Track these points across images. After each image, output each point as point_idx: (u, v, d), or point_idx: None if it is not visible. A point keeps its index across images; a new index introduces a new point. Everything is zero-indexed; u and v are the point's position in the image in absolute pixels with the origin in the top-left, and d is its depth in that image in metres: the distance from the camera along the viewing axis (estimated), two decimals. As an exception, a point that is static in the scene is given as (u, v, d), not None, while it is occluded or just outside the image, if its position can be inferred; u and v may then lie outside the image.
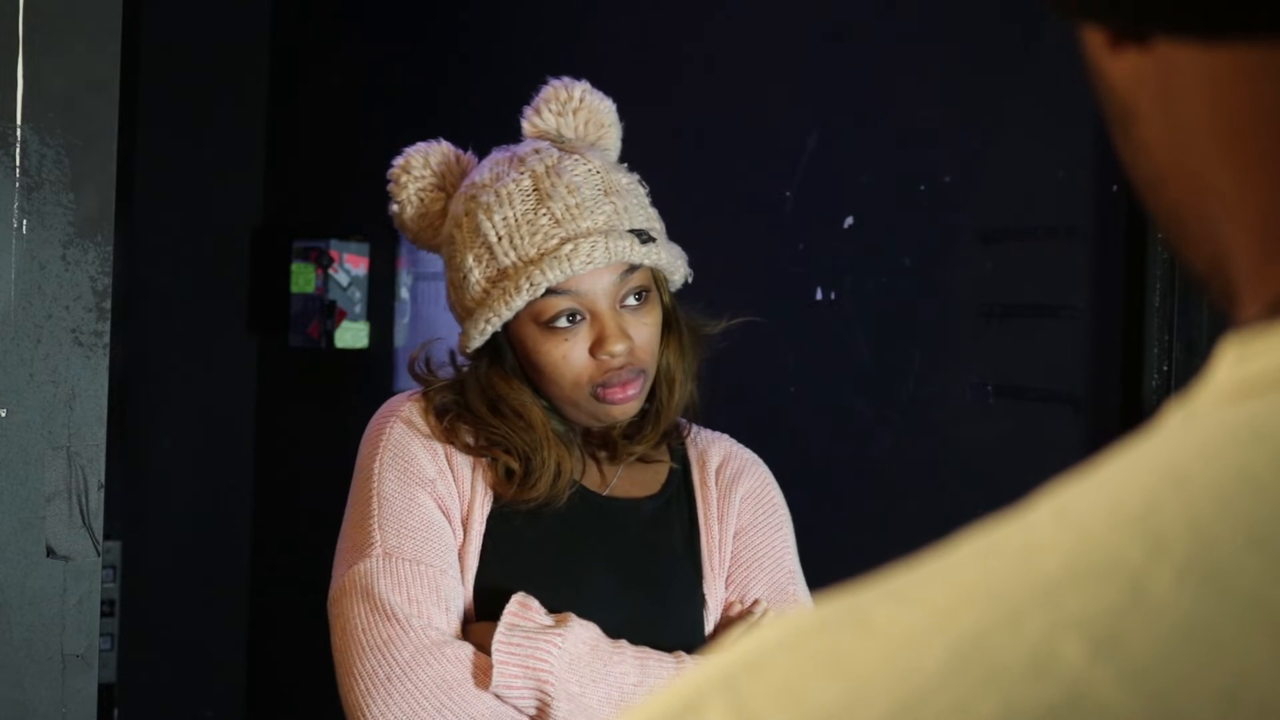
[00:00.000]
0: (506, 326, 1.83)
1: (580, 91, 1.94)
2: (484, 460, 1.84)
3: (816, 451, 2.72)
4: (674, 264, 1.88)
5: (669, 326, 1.89)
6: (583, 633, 1.75)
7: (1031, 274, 2.43)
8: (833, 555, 2.67)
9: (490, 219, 1.81)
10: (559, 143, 1.90)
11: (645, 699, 0.37)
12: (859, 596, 0.36)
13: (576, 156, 1.86)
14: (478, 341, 1.83)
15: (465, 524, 1.82)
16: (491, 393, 1.85)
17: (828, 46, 2.74)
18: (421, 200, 1.91)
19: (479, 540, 1.81)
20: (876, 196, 2.64)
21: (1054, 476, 0.38)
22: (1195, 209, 0.42)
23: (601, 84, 3.18)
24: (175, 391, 4.14)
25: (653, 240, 1.85)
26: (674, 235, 3.11)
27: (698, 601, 1.87)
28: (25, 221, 1.70)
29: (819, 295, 2.71)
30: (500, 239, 1.80)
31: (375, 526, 1.78)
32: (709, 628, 1.87)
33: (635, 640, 1.78)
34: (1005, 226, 2.46)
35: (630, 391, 1.81)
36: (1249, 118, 0.40)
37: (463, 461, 1.83)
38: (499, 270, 1.80)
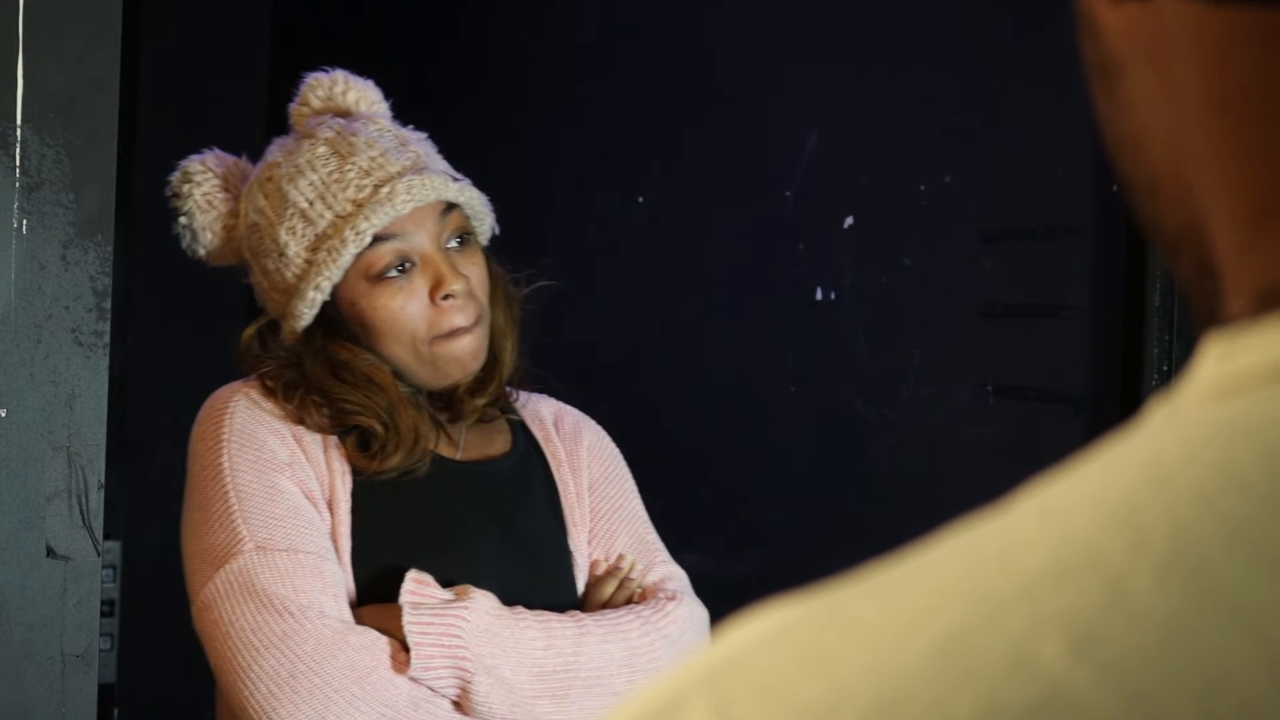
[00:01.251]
0: (335, 294, 1.77)
1: (343, 76, 1.91)
2: (333, 438, 1.78)
3: (816, 451, 2.72)
4: (485, 209, 1.85)
5: (490, 277, 1.85)
6: (485, 603, 1.70)
7: (1031, 274, 2.43)
8: (832, 555, 2.67)
9: (296, 186, 1.77)
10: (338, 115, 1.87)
11: (626, 698, 0.37)
12: (841, 593, 0.36)
13: (362, 120, 1.84)
14: (308, 316, 1.77)
15: (330, 506, 1.75)
16: (334, 361, 1.78)
17: (828, 46, 2.74)
18: (210, 203, 1.86)
19: (347, 520, 1.75)
20: (876, 196, 2.64)
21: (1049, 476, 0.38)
22: (1173, 176, 0.41)
23: (601, 83, 3.20)
24: (175, 391, 4.14)
25: (462, 180, 1.82)
26: (673, 234, 3.10)
27: (567, 558, 1.85)
28: (25, 221, 1.70)
29: (819, 295, 2.71)
30: (312, 203, 1.76)
31: (239, 521, 1.70)
32: (579, 584, 1.85)
33: (521, 603, 1.75)
34: (1005, 226, 2.46)
35: (477, 333, 1.77)
36: (1247, 86, 0.39)
37: (312, 442, 1.77)
38: (317, 235, 1.75)
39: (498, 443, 1.89)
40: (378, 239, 1.74)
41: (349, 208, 1.75)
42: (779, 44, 2.82)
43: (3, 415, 1.70)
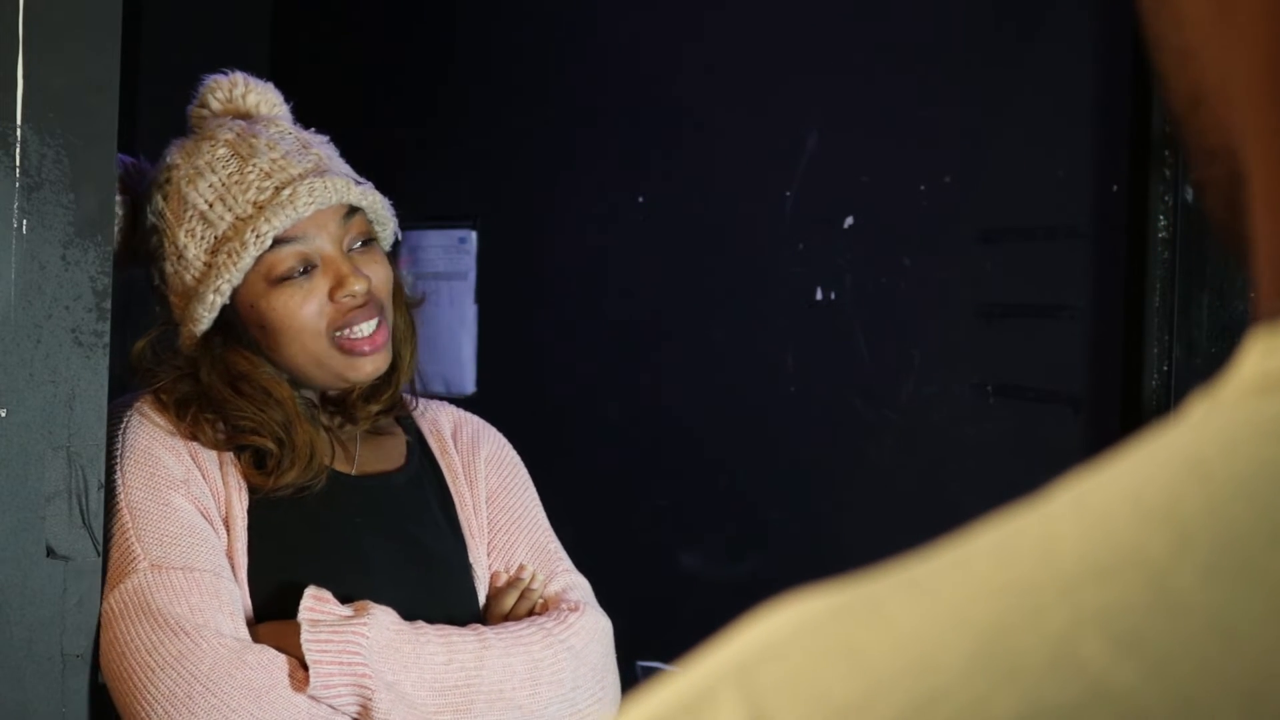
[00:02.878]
0: (234, 297, 1.75)
1: (242, 78, 1.89)
2: (228, 454, 1.76)
3: (817, 451, 2.72)
4: (388, 214, 1.83)
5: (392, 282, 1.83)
6: (385, 618, 1.68)
7: (1031, 274, 2.43)
8: (832, 555, 2.67)
9: (196, 189, 1.75)
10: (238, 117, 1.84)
11: (655, 690, 0.36)
12: (873, 586, 0.35)
13: (263, 122, 1.82)
14: (207, 320, 1.75)
15: (227, 523, 1.73)
16: (232, 371, 1.76)
17: (828, 47, 2.74)
18: None
19: (244, 538, 1.73)
20: (876, 196, 2.64)
21: (1054, 476, 0.38)
22: (1219, 99, 0.40)
23: (602, 83, 3.20)
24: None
25: (364, 184, 1.81)
26: (673, 234, 3.09)
27: (467, 571, 1.83)
28: (25, 221, 1.69)
29: (819, 295, 2.71)
30: (212, 205, 1.74)
31: (134, 540, 1.69)
32: (480, 597, 1.83)
33: (420, 618, 1.73)
34: (1005, 226, 2.46)
35: (379, 340, 1.75)
36: None
37: (208, 459, 1.75)
38: (217, 237, 1.73)
39: (393, 456, 1.87)
40: (279, 241, 1.73)
41: (249, 210, 1.73)
42: (779, 44, 2.82)
43: (3, 415, 1.70)
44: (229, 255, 1.73)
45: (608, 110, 3.09)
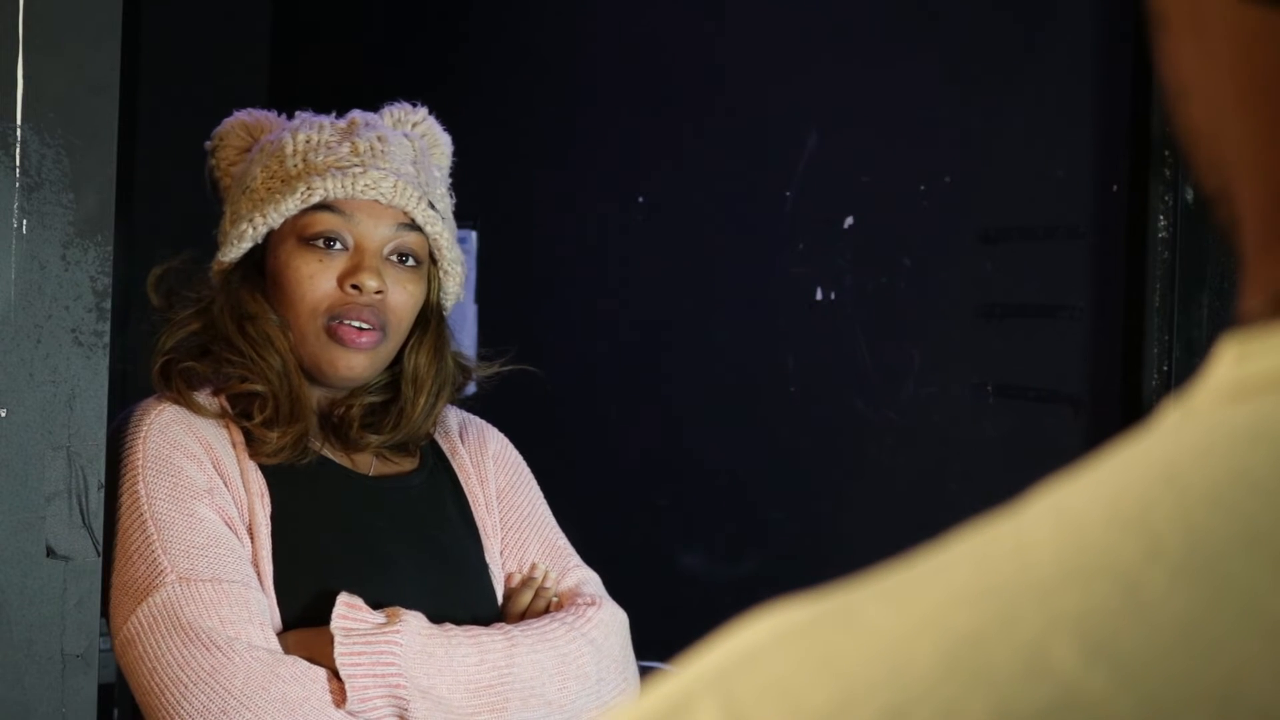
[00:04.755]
0: (268, 244, 1.78)
1: (423, 114, 1.94)
2: (251, 463, 1.75)
3: (816, 451, 2.72)
4: (454, 265, 1.84)
5: (426, 327, 1.84)
6: (416, 624, 1.68)
7: (1031, 274, 2.43)
8: (832, 555, 2.67)
9: (294, 139, 1.80)
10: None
11: (634, 698, 0.37)
12: (850, 595, 0.36)
13: (402, 133, 1.86)
14: (237, 249, 1.78)
15: (251, 531, 1.73)
16: (241, 310, 1.77)
17: (828, 46, 2.74)
18: (228, 167, 1.87)
19: (268, 545, 1.73)
20: (876, 196, 2.64)
21: (1054, 477, 0.38)
22: (1211, 139, 0.41)
23: (601, 83, 3.19)
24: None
25: (446, 219, 1.82)
26: (673, 234, 3.10)
27: (486, 570, 1.84)
28: (25, 221, 1.69)
29: (819, 295, 2.71)
30: (295, 153, 1.78)
31: (160, 552, 1.67)
32: (498, 594, 1.84)
33: (447, 619, 1.74)
34: (1005, 226, 2.46)
35: (364, 340, 1.75)
36: (1271, 82, 0.38)
37: (230, 467, 1.74)
38: (284, 177, 1.77)
39: (406, 459, 1.88)
40: (327, 207, 1.75)
41: (319, 168, 1.77)
42: (779, 44, 2.82)
43: (3, 415, 1.69)
44: (280, 196, 1.76)
45: (608, 110, 3.09)
